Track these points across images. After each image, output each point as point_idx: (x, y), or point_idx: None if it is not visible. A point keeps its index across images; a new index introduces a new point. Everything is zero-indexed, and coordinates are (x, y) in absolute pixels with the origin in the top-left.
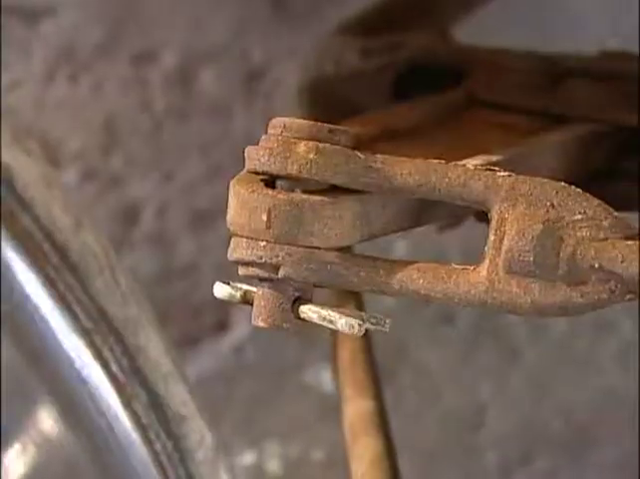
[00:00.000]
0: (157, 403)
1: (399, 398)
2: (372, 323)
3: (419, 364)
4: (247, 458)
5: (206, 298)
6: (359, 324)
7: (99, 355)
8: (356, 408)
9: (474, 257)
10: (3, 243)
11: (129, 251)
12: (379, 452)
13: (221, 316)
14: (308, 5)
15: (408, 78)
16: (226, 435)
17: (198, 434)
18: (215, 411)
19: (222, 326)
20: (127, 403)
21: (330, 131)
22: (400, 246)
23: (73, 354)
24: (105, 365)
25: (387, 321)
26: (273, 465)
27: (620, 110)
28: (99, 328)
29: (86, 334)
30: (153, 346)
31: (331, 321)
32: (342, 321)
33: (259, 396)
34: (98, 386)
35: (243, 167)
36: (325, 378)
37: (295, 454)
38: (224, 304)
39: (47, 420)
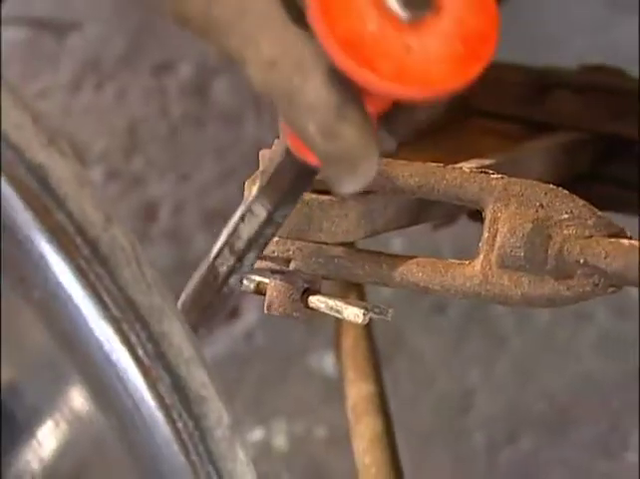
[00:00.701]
0: (179, 385)
1: (395, 383)
2: (375, 313)
3: (414, 351)
4: (256, 434)
5: None
6: (364, 314)
7: (126, 341)
8: (358, 390)
9: (465, 254)
10: (38, 236)
11: (148, 246)
12: (379, 431)
13: (233, 305)
14: None
15: None
16: (237, 413)
17: (217, 414)
18: (228, 391)
19: (234, 314)
20: (151, 385)
21: None
22: (397, 243)
23: (102, 339)
24: (131, 350)
25: (389, 311)
26: (280, 441)
27: (601, 119)
28: (126, 316)
29: (114, 321)
30: (175, 333)
31: (338, 311)
32: (348, 311)
33: (268, 378)
34: (125, 369)
35: (254, 169)
36: (327, 363)
37: (300, 432)
38: (236, 294)
39: (78, 399)
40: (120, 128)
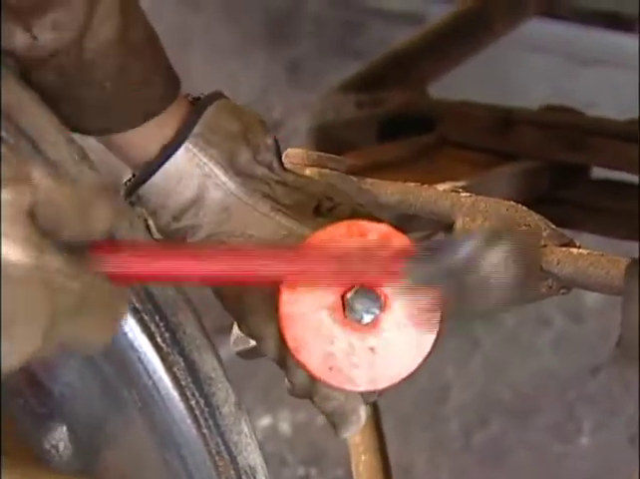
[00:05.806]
0: (192, 368)
1: None
2: None
3: None
4: (265, 421)
5: None
6: None
7: (147, 330)
8: None
9: None
10: None
11: None
12: (368, 416)
13: None
14: (317, 69)
15: (391, 125)
16: (249, 403)
17: (224, 393)
18: (240, 385)
19: None
20: (168, 368)
21: (330, 159)
22: None
23: (126, 329)
24: (151, 337)
25: None
26: (285, 427)
27: (557, 151)
28: (146, 308)
29: (136, 312)
30: (189, 323)
31: None
32: None
33: (275, 374)
34: (146, 354)
35: None
36: None
37: (302, 419)
38: None
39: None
40: None
